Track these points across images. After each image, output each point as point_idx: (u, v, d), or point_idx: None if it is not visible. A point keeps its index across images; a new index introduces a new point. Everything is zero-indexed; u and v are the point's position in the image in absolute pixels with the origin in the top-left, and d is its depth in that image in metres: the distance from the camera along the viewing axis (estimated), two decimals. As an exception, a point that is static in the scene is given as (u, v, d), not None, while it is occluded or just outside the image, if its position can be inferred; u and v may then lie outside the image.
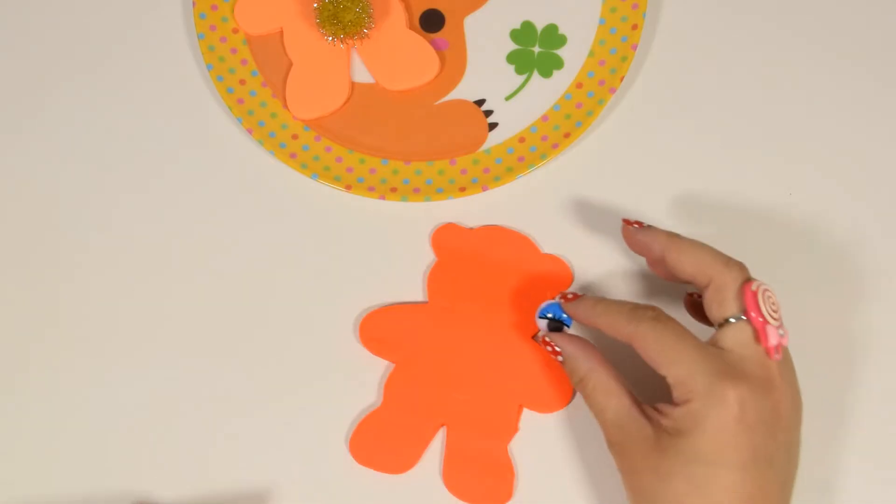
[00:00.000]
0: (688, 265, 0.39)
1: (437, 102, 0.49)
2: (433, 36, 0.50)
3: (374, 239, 0.47)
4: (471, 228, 0.47)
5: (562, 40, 0.50)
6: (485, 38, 0.50)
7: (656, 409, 0.38)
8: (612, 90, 0.47)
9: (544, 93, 0.49)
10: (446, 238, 0.46)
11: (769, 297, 0.38)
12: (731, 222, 0.46)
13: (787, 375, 0.38)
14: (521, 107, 0.48)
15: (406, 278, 0.46)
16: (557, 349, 0.41)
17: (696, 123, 0.48)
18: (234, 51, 0.50)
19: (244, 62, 0.50)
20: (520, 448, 0.44)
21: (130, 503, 0.44)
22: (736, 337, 0.37)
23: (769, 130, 0.48)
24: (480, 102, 0.49)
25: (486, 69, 0.49)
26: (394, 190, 0.47)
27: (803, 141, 0.48)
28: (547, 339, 0.41)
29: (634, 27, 0.48)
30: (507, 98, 0.49)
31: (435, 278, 0.46)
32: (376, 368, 0.45)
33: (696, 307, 0.42)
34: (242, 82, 0.49)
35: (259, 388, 0.45)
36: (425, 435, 0.44)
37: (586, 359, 0.40)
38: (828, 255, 0.46)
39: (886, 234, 0.46)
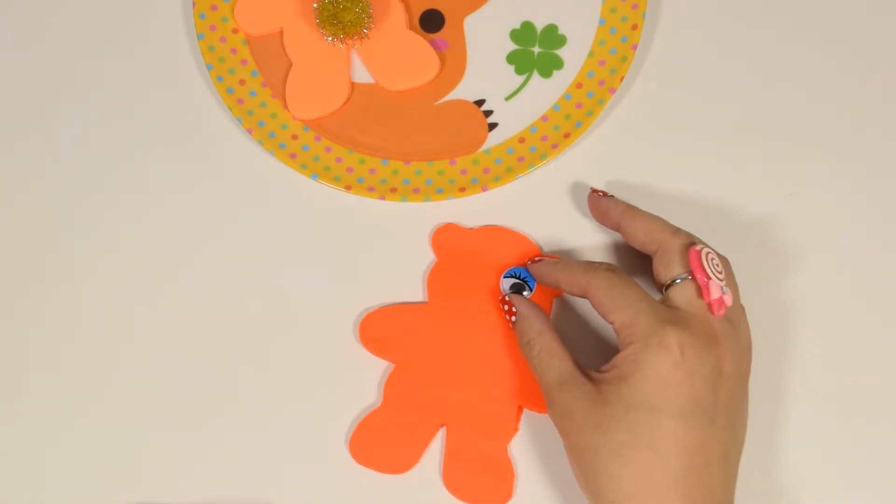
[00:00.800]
0: (640, 232, 0.42)
1: (436, 103, 0.49)
2: (433, 36, 0.50)
3: (374, 239, 0.47)
4: (471, 228, 0.47)
5: (562, 40, 0.50)
6: (485, 38, 0.50)
7: (598, 370, 0.39)
8: (612, 90, 0.47)
9: (544, 93, 0.49)
10: (446, 238, 0.46)
11: (713, 258, 0.39)
12: (731, 222, 0.46)
13: (733, 338, 0.39)
14: (521, 107, 0.48)
15: (406, 278, 0.46)
16: (514, 309, 0.42)
17: (695, 123, 0.48)
18: (233, 51, 0.50)
19: (244, 62, 0.50)
20: (520, 448, 0.44)
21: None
22: (681, 294, 0.39)
23: (769, 130, 0.48)
24: (480, 102, 0.49)
25: (485, 69, 0.49)
26: (394, 190, 0.47)
27: (804, 141, 0.48)
28: (507, 298, 0.43)
29: (634, 27, 0.48)
30: (507, 98, 0.49)
31: (435, 278, 0.46)
32: (376, 368, 0.45)
33: None
34: (242, 82, 0.49)
35: (259, 388, 0.45)
36: (425, 435, 0.44)
37: (537, 321, 0.42)
38: (829, 254, 0.46)
39: (888, 233, 0.46)
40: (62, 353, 0.46)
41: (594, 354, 0.44)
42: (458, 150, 0.48)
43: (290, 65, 0.49)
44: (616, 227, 0.44)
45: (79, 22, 0.51)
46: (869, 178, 0.47)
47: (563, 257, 0.46)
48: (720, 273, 0.39)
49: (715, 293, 0.38)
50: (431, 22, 0.50)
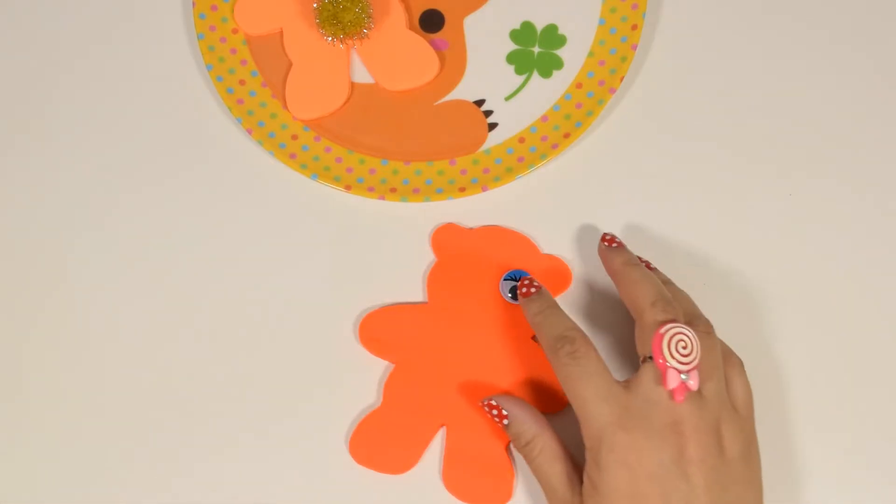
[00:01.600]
0: (625, 298, 0.41)
1: (436, 103, 0.49)
2: (433, 36, 0.50)
3: (373, 239, 0.47)
4: (470, 228, 0.47)
5: (561, 40, 0.50)
6: (485, 38, 0.50)
7: (580, 476, 0.39)
8: (612, 90, 0.47)
9: (544, 93, 0.49)
10: (446, 238, 0.46)
11: (680, 340, 0.38)
12: (731, 222, 0.46)
13: (699, 417, 0.37)
14: (521, 107, 0.48)
15: (406, 278, 0.46)
16: (504, 412, 0.41)
17: (695, 124, 0.48)
18: (233, 51, 0.50)
19: (244, 62, 0.50)
20: (520, 448, 0.44)
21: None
22: (647, 375, 0.38)
23: (769, 130, 0.48)
24: (480, 103, 0.49)
25: (485, 69, 0.49)
26: (393, 190, 0.47)
27: (804, 141, 0.48)
28: (493, 402, 0.41)
29: (634, 27, 0.48)
30: (507, 98, 0.49)
31: (435, 278, 0.46)
32: (376, 368, 0.45)
33: None
34: (242, 83, 0.49)
35: (259, 388, 0.45)
36: (425, 435, 0.44)
37: (532, 422, 0.41)
38: (827, 254, 0.46)
39: (888, 233, 0.46)
40: (60, 352, 0.46)
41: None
42: (457, 151, 0.48)
43: (290, 65, 0.49)
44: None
45: (78, 22, 0.51)
46: (869, 177, 0.47)
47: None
48: (685, 356, 0.38)
49: (672, 382, 0.37)
50: (431, 22, 0.50)
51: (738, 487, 0.38)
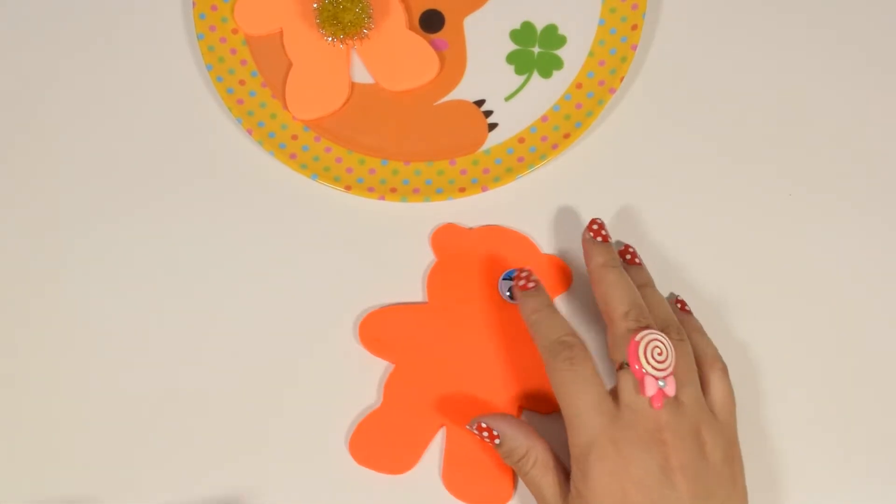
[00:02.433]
0: (599, 300, 0.41)
1: (436, 103, 0.49)
2: (433, 36, 0.50)
3: (373, 239, 0.47)
4: (470, 228, 0.47)
5: (561, 41, 0.50)
6: (485, 38, 0.50)
7: (568, 487, 0.39)
8: (612, 90, 0.47)
9: (544, 93, 0.49)
10: (446, 238, 0.46)
11: (655, 347, 0.38)
12: (731, 222, 0.46)
13: (679, 423, 0.38)
14: (521, 107, 0.48)
15: (406, 278, 0.46)
16: (495, 433, 0.40)
17: (695, 124, 0.48)
18: (233, 51, 0.50)
19: (244, 63, 0.50)
20: (520, 448, 0.44)
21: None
22: (626, 384, 0.38)
23: (769, 130, 0.48)
24: (480, 103, 0.49)
25: (485, 69, 0.49)
26: (393, 190, 0.47)
27: (804, 141, 0.48)
28: (482, 424, 0.41)
29: (634, 27, 0.48)
30: (507, 98, 0.49)
31: (435, 278, 0.46)
32: (376, 368, 0.45)
33: None
34: (242, 83, 0.49)
35: (259, 388, 0.45)
36: (425, 435, 0.44)
37: (523, 437, 0.40)
38: (829, 254, 0.46)
39: (888, 233, 0.46)
40: (59, 352, 0.46)
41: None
42: (457, 151, 0.48)
43: (290, 65, 0.49)
44: None
45: (78, 22, 0.51)
46: (869, 178, 0.47)
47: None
48: (661, 363, 0.38)
49: (650, 389, 0.37)
50: (431, 22, 0.50)
51: (722, 492, 0.38)
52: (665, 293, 0.45)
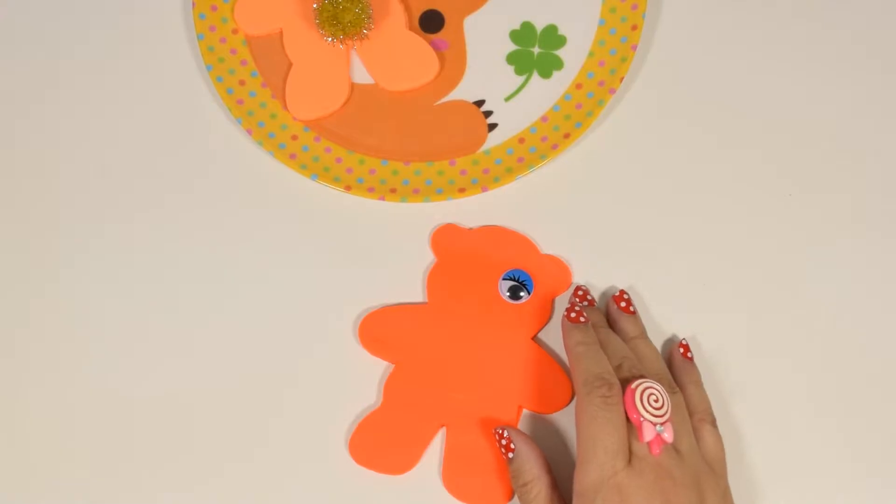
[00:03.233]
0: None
1: (436, 103, 0.49)
2: (433, 36, 0.50)
3: (373, 239, 0.47)
4: (470, 229, 0.47)
5: (561, 41, 0.50)
6: (485, 38, 0.50)
7: None
8: (612, 91, 0.47)
9: (544, 93, 0.49)
10: (446, 238, 0.46)
11: (651, 394, 0.39)
12: (731, 222, 0.46)
13: (680, 468, 0.38)
14: (521, 107, 0.48)
15: (406, 279, 0.46)
16: (512, 446, 0.41)
17: (695, 124, 0.48)
18: (233, 52, 0.50)
19: (244, 63, 0.50)
20: (520, 448, 0.44)
21: None
22: (631, 436, 0.39)
23: (769, 130, 0.48)
24: (480, 103, 0.49)
25: (485, 70, 0.49)
26: (393, 191, 0.47)
27: (803, 141, 0.48)
28: (504, 433, 0.42)
29: (634, 28, 0.48)
30: (507, 99, 0.49)
31: (435, 279, 0.46)
32: (376, 369, 0.45)
33: None
34: (242, 83, 0.49)
35: (259, 388, 0.45)
36: (425, 435, 0.44)
37: (535, 464, 0.41)
38: (829, 255, 0.46)
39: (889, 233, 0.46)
40: (59, 353, 0.46)
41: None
42: (457, 151, 0.48)
43: (290, 65, 0.49)
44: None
45: (78, 22, 0.51)
46: (870, 177, 0.47)
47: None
48: (658, 409, 0.38)
49: (648, 434, 0.38)
50: (431, 22, 0.50)
51: None
52: (665, 294, 0.45)
